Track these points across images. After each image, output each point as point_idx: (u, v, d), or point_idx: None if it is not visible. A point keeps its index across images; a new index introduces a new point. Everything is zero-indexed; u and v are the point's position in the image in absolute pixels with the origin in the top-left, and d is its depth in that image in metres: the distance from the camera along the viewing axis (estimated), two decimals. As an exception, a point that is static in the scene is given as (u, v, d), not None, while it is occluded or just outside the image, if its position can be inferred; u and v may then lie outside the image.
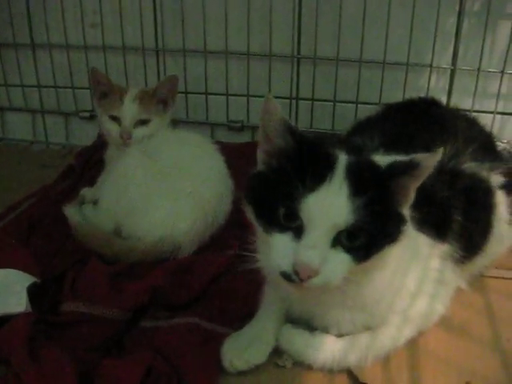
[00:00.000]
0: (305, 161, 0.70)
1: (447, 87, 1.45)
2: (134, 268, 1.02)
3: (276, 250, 0.70)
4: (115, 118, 1.27)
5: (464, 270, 0.98)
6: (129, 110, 1.26)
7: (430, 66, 1.43)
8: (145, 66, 1.58)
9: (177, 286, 0.98)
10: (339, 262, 0.69)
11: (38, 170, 1.51)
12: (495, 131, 1.46)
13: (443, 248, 0.91)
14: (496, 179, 1.01)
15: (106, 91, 1.29)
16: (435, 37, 1.40)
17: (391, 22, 1.40)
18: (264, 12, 1.46)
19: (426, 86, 1.45)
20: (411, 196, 0.74)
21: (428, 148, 0.80)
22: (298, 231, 0.69)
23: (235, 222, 1.16)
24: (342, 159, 0.71)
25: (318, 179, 0.68)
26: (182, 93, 1.58)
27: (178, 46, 1.55)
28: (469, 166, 0.99)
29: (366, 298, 0.82)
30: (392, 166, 0.70)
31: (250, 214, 0.76)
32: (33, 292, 0.89)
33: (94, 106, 1.36)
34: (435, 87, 1.45)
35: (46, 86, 1.67)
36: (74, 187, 1.35)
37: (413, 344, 0.89)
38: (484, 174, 1.00)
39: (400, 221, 0.74)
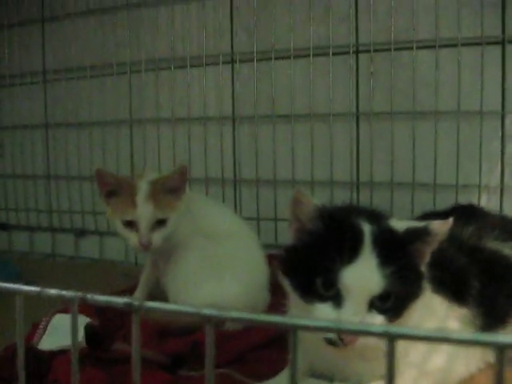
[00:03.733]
0: (336, 238, 0.82)
1: (498, 206, 1.56)
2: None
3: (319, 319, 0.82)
4: (130, 223, 1.21)
5: (492, 341, 1.01)
6: (144, 212, 1.19)
7: (479, 186, 1.57)
8: (223, 195, 1.85)
9: (217, 347, 1.10)
10: (376, 323, 0.80)
11: (124, 280, 1.75)
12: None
13: (462, 311, 0.97)
14: None
15: (113, 189, 1.24)
16: (480, 160, 1.55)
17: (439, 150, 1.59)
18: (325, 144, 1.73)
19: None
20: (426, 257, 0.85)
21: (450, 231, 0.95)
22: (337, 300, 0.79)
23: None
24: (367, 230, 0.83)
25: (351, 253, 0.79)
26: (254, 219, 1.82)
27: (252, 176, 1.83)
28: (491, 243, 1.08)
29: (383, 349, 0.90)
30: (408, 232, 0.83)
31: (286, 285, 0.87)
32: (89, 332, 1.06)
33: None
34: (486, 206, 1.56)
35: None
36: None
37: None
38: (507, 251, 1.08)
39: (420, 278, 0.84)
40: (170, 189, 1.24)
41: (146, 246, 1.20)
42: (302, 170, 1.76)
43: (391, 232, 0.83)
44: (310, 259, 0.83)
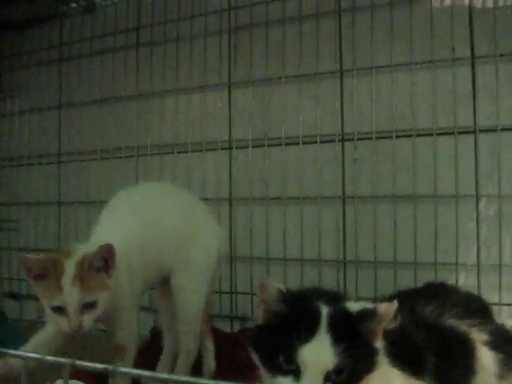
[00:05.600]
0: (296, 319, 0.96)
1: (475, 283, 1.68)
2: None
3: None
4: (59, 308, 1.17)
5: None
6: (71, 297, 1.16)
7: (456, 264, 1.70)
8: (220, 271, 2.01)
9: None
10: None
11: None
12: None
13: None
14: (478, 335, 1.19)
15: (40, 273, 1.19)
16: (457, 240, 1.70)
17: (419, 231, 1.74)
18: (314, 225, 1.89)
19: (454, 283, 1.69)
20: (378, 335, 0.97)
21: (412, 308, 1.10)
22: (296, 374, 0.92)
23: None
24: (324, 311, 0.95)
25: (308, 332, 0.93)
26: (248, 294, 1.96)
27: (246, 253, 1.98)
28: (449, 320, 1.21)
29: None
30: (360, 313, 0.96)
31: (256, 359, 1.01)
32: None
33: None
34: (465, 284, 1.69)
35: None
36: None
37: None
38: (463, 327, 1.20)
39: (373, 353, 0.97)
40: (97, 268, 1.22)
41: (77, 331, 1.18)
42: (293, 248, 1.92)
43: (345, 313, 0.96)
44: (275, 337, 0.96)
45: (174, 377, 0.61)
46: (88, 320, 1.19)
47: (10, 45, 2.63)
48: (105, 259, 1.22)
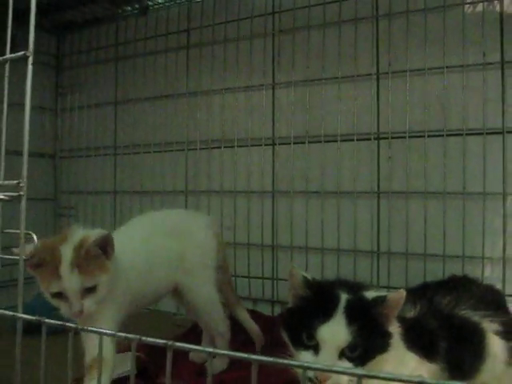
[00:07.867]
0: (318, 302, 1.14)
1: (501, 276, 1.83)
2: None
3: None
4: (59, 294, 1.18)
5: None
6: (70, 283, 1.17)
7: (482, 257, 1.85)
8: (262, 258, 2.21)
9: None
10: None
11: (174, 329, 2.11)
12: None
13: (431, 366, 1.23)
14: (490, 325, 1.32)
15: (38, 261, 1.18)
16: (484, 235, 1.85)
17: (448, 225, 1.90)
18: (350, 218, 2.06)
19: (480, 275, 1.84)
20: (390, 319, 1.14)
21: (431, 299, 1.28)
22: (316, 349, 1.10)
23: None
24: (343, 298, 1.13)
25: (326, 315, 1.10)
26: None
27: (287, 242, 2.18)
28: (463, 312, 1.36)
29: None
30: (373, 300, 1.13)
31: (285, 336, 1.19)
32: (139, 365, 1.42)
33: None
34: (490, 276, 1.84)
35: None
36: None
37: None
38: (476, 318, 1.35)
39: (386, 335, 1.13)
40: (96, 253, 1.22)
41: (78, 315, 1.19)
42: (330, 239, 2.10)
43: (361, 299, 1.14)
44: (299, 318, 1.14)
45: (223, 351, 0.79)
46: (89, 303, 1.20)
47: (69, 44, 2.87)
48: (104, 246, 1.23)
